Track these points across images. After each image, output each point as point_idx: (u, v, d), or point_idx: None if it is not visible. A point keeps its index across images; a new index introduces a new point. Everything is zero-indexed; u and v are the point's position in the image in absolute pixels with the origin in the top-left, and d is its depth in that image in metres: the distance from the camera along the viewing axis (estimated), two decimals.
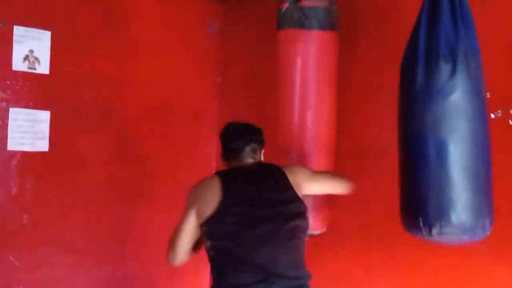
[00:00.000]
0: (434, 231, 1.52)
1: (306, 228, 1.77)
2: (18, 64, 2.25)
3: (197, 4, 3.00)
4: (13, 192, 2.25)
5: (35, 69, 2.30)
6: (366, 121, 2.48)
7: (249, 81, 2.98)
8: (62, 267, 2.39)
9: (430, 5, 1.58)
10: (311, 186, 1.82)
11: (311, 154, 2.13)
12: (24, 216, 2.27)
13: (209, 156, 2.93)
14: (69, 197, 2.42)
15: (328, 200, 2.18)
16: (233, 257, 1.62)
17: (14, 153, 2.25)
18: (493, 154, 1.60)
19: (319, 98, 2.14)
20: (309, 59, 2.11)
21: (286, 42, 2.15)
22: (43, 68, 2.32)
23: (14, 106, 2.25)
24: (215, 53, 3.09)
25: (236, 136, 1.80)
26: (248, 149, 1.78)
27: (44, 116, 2.34)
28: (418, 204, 1.57)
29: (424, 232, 1.54)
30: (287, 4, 2.12)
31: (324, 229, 2.23)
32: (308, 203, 2.00)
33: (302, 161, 2.11)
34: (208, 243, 1.67)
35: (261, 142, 1.83)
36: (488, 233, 1.58)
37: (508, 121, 1.98)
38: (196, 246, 1.75)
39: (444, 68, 1.51)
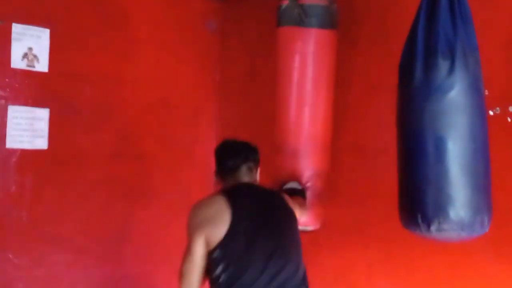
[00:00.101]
0: (433, 227, 1.52)
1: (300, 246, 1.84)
2: (17, 61, 2.25)
3: (197, 2, 3.00)
4: (12, 190, 2.24)
5: (34, 66, 2.30)
6: (365, 119, 2.48)
7: (249, 79, 2.98)
8: (61, 265, 2.39)
9: (429, 2, 1.59)
10: (296, 211, 1.89)
11: (307, 151, 2.14)
12: (23, 214, 2.27)
13: (208, 155, 2.90)
14: (68, 195, 2.42)
15: (321, 196, 2.21)
16: (244, 279, 1.58)
17: (13, 151, 2.25)
18: (491, 151, 1.61)
19: (316, 96, 2.15)
20: (307, 57, 2.11)
21: (284, 39, 2.15)
22: (42, 66, 2.32)
23: (13, 104, 2.25)
24: (215, 52, 3.09)
25: (232, 154, 1.78)
26: (244, 167, 1.77)
27: (43, 114, 2.33)
28: (417, 201, 1.57)
29: (422, 229, 1.55)
30: (287, 1, 2.12)
31: (318, 226, 2.25)
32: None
33: (297, 158, 2.13)
34: (219, 268, 1.60)
35: (256, 161, 1.82)
36: (487, 230, 1.58)
37: (507, 118, 1.99)
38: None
39: (443, 65, 1.52)
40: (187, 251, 1.63)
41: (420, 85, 1.56)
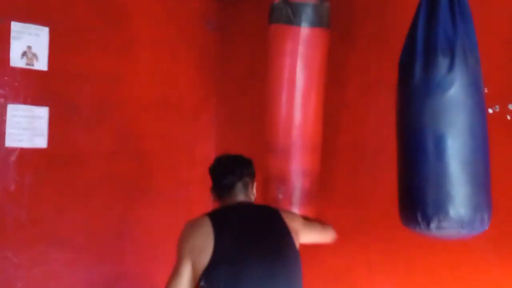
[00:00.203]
0: (433, 225, 1.52)
1: (300, 280, 1.72)
2: (16, 60, 2.25)
3: (196, 1, 3.00)
4: (11, 189, 2.24)
5: (33, 65, 2.29)
6: (364, 117, 2.48)
7: (248, 77, 2.97)
8: (61, 264, 2.38)
9: (429, 0, 1.59)
10: (306, 238, 1.80)
11: (296, 151, 2.12)
12: (23, 212, 2.27)
13: (207, 153, 2.93)
14: (67, 193, 2.42)
15: (310, 196, 2.17)
16: None
17: (12, 150, 2.24)
18: (491, 149, 1.61)
19: (306, 95, 2.12)
20: (296, 56, 2.09)
21: (275, 37, 2.14)
22: (41, 64, 2.32)
23: (12, 103, 2.25)
24: (214, 50, 3.09)
25: (227, 172, 1.74)
26: (239, 184, 1.74)
27: (43, 112, 2.33)
28: (417, 199, 1.57)
29: (422, 227, 1.55)
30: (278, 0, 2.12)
31: None
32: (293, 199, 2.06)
33: (286, 157, 2.10)
34: None
35: (252, 175, 1.79)
36: (487, 227, 1.58)
37: (506, 116, 1.99)
38: None
39: (442, 63, 1.52)
40: (174, 271, 1.60)
41: (419, 83, 1.56)
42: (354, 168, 2.51)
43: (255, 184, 1.82)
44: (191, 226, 1.65)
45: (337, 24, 2.35)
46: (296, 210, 2.09)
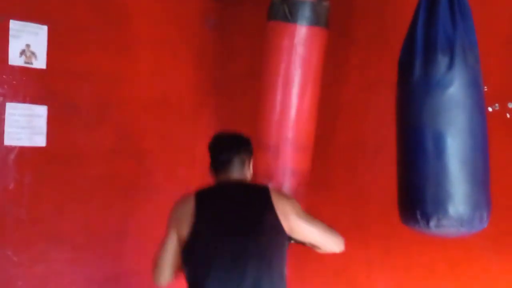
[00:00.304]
0: (432, 223, 1.53)
1: (282, 261, 1.63)
2: (15, 58, 2.24)
3: (196, 0, 2.99)
4: (10, 187, 2.24)
5: (31, 63, 2.29)
6: (364, 115, 2.48)
7: (248, 77, 2.97)
8: (61, 263, 2.38)
9: None
10: (301, 227, 1.67)
11: (285, 149, 2.09)
12: (22, 211, 2.27)
13: (207, 152, 2.92)
14: (67, 192, 2.42)
15: (299, 196, 2.08)
16: (196, 281, 1.59)
17: (11, 148, 2.24)
18: (490, 147, 1.61)
19: (301, 94, 2.10)
20: (291, 53, 2.08)
21: (271, 34, 2.13)
22: (40, 62, 2.31)
23: (11, 101, 2.24)
24: (214, 49, 3.08)
25: (225, 147, 1.76)
26: (237, 160, 1.74)
27: (42, 111, 2.33)
28: (416, 197, 1.58)
29: (422, 225, 1.55)
30: None
31: None
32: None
33: (275, 155, 2.07)
34: (186, 271, 1.63)
35: (250, 152, 1.80)
36: (486, 225, 1.58)
37: (506, 115, 1.99)
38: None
39: (442, 61, 1.52)
40: (162, 243, 1.69)
41: (419, 81, 1.56)
42: (354, 166, 2.51)
43: (252, 161, 1.81)
44: (178, 202, 1.72)
45: (337, 23, 2.35)
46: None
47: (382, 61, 2.34)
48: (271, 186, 1.79)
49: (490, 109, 1.94)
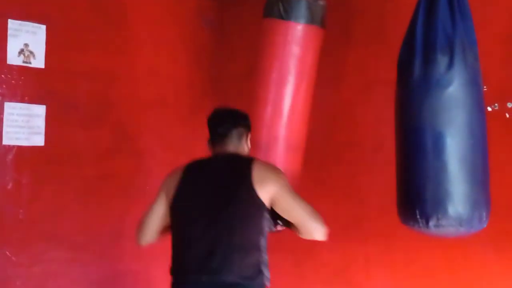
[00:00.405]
0: (431, 223, 1.53)
1: (256, 231, 1.61)
2: (13, 58, 2.23)
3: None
4: (9, 187, 2.23)
5: (30, 63, 2.28)
6: (363, 114, 2.48)
7: (246, 76, 2.96)
8: (59, 263, 2.38)
9: None
10: (282, 200, 1.62)
11: (276, 148, 2.06)
12: (20, 211, 2.26)
13: (205, 152, 2.92)
14: (65, 192, 2.41)
15: None
16: (176, 252, 1.64)
17: (9, 148, 2.23)
18: (490, 147, 1.61)
19: (294, 92, 2.07)
20: (285, 51, 2.06)
21: (266, 31, 2.12)
22: (38, 62, 2.30)
23: (9, 101, 2.23)
24: (212, 48, 3.07)
25: (223, 120, 1.76)
26: (235, 133, 1.74)
27: (40, 110, 2.32)
28: (415, 196, 1.58)
29: (421, 225, 1.55)
30: None
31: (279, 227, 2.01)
32: None
33: (266, 155, 2.04)
34: (171, 235, 1.70)
35: (247, 127, 1.79)
36: (485, 225, 1.59)
37: (505, 114, 1.99)
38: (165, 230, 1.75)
39: (442, 60, 1.52)
40: (150, 205, 1.75)
41: (418, 80, 1.56)
42: (353, 166, 2.51)
43: (249, 136, 1.80)
44: (171, 171, 1.77)
45: (336, 23, 2.35)
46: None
47: (381, 61, 2.34)
48: (258, 158, 1.75)
49: (489, 108, 1.94)
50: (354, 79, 2.52)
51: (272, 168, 1.71)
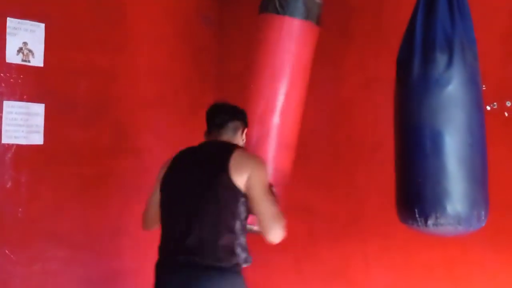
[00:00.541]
0: (430, 222, 1.53)
1: (232, 216, 1.63)
2: (12, 56, 2.23)
3: None
4: (8, 185, 2.23)
5: (29, 61, 2.28)
6: (362, 113, 2.48)
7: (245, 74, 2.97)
8: (58, 261, 2.38)
9: None
10: (252, 191, 1.63)
11: (268, 146, 2.03)
12: (20, 209, 2.26)
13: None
14: (64, 190, 2.41)
15: (278, 195, 1.98)
16: (161, 233, 1.73)
17: (8, 146, 2.23)
18: (489, 145, 1.61)
19: (286, 89, 2.04)
20: (279, 46, 2.03)
21: (260, 26, 2.10)
22: (37, 60, 2.30)
23: (8, 99, 2.23)
24: (211, 46, 3.07)
25: (221, 111, 1.81)
26: (230, 125, 1.79)
27: (39, 109, 2.32)
28: (414, 195, 1.58)
29: (420, 223, 1.55)
30: None
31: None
32: None
33: (257, 150, 1.99)
34: None
35: (244, 122, 1.83)
36: (483, 224, 1.59)
37: (504, 113, 1.99)
38: None
39: (441, 59, 1.52)
40: (150, 194, 1.84)
41: (417, 79, 1.56)
42: (352, 164, 2.51)
43: (245, 131, 1.83)
44: (165, 160, 1.84)
45: (335, 21, 2.35)
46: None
47: (380, 59, 2.34)
48: (242, 147, 1.77)
49: (488, 107, 1.94)
50: (353, 78, 2.52)
51: (253, 157, 1.74)
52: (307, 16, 2.04)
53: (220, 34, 3.09)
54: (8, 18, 2.21)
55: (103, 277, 2.56)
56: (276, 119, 2.03)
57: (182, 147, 2.95)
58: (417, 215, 1.55)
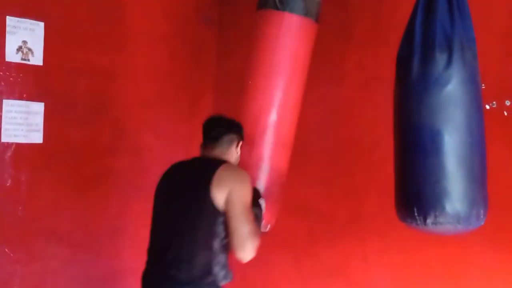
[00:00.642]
0: (429, 220, 1.53)
1: (210, 234, 1.63)
2: (11, 55, 2.23)
3: None
4: (7, 184, 2.23)
5: (28, 60, 2.28)
6: (361, 112, 2.48)
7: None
8: (58, 259, 2.38)
9: None
10: (228, 205, 1.62)
11: (264, 143, 2.00)
12: (19, 208, 2.26)
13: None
14: (64, 189, 2.41)
15: (271, 194, 2.00)
16: (150, 248, 1.77)
17: (8, 145, 2.23)
18: (488, 144, 1.61)
19: (284, 86, 2.02)
20: (277, 42, 2.01)
21: (259, 22, 2.08)
22: (37, 59, 2.30)
23: (8, 98, 2.23)
24: (210, 45, 3.07)
25: (217, 124, 1.82)
26: (225, 138, 1.80)
27: (38, 108, 2.32)
28: (413, 194, 1.58)
29: (419, 222, 1.55)
30: None
31: (264, 228, 1.99)
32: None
33: (251, 149, 1.97)
34: None
35: (239, 134, 1.84)
36: (482, 223, 1.59)
37: (503, 112, 1.99)
38: None
39: (440, 58, 1.52)
40: None
41: (417, 78, 1.56)
42: (351, 163, 2.51)
43: (240, 144, 1.83)
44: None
45: (334, 20, 2.35)
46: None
47: (380, 58, 2.34)
48: (229, 163, 1.75)
49: (487, 106, 1.94)
50: (353, 77, 2.52)
51: (236, 173, 1.70)
52: (306, 13, 2.03)
53: (219, 33, 3.09)
54: (7, 17, 2.21)
55: (102, 276, 2.56)
56: (273, 116, 2.01)
57: (182, 146, 2.98)
58: (416, 214, 1.55)
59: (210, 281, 1.63)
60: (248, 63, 2.09)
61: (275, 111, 2.01)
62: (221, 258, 1.66)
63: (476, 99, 1.57)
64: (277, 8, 2.02)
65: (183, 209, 1.67)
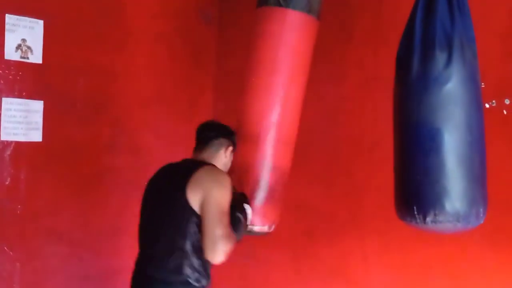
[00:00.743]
0: (429, 219, 1.53)
1: (184, 235, 1.64)
2: (11, 53, 2.23)
3: None
4: (7, 182, 2.23)
5: (27, 58, 2.28)
6: (361, 111, 2.48)
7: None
8: (57, 258, 2.38)
9: None
10: (203, 206, 1.63)
11: (267, 141, 1.98)
12: (19, 206, 2.26)
13: None
14: (63, 187, 2.41)
15: (273, 193, 1.98)
16: (140, 250, 1.82)
17: (7, 144, 2.23)
18: (487, 143, 1.61)
19: (286, 83, 1.99)
20: (280, 39, 1.99)
21: (260, 20, 2.06)
22: (36, 57, 2.30)
23: (7, 96, 2.23)
24: (210, 44, 3.07)
25: (208, 129, 1.86)
26: (215, 143, 1.83)
27: (38, 106, 2.32)
28: (413, 193, 1.58)
29: (418, 220, 1.55)
30: None
31: (267, 228, 1.98)
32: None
33: (255, 147, 1.96)
34: None
35: (231, 139, 1.86)
36: (482, 221, 1.59)
37: (503, 111, 1.99)
38: None
39: (440, 57, 1.52)
40: None
41: (417, 77, 1.56)
42: (351, 162, 2.51)
43: (231, 149, 1.85)
44: None
45: (335, 19, 2.34)
46: (253, 208, 1.88)
47: (380, 57, 2.34)
48: (211, 166, 1.75)
49: (487, 105, 1.94)
50: (353, 76, 2.52)
51: (215, 175, 1.71)
52: (309, 10, 2.02)
53: (219, 33, 3.09)
54: (6, 15, 2.21)
55: (101, 275, 2.56)
56: (276, 114, 1.99)
57: (181, 144, 2.96)
58: (415, 212, 1.55)
59: (183, 281, 1.66)
60: (250, 61, 2.07)
61: (278, 109, 1.99)
62: (193, 260, 1.65)
63: (476, 98, 1.57)
64: (280, 5, 2.00)
65: (161, 209, 1.72)
